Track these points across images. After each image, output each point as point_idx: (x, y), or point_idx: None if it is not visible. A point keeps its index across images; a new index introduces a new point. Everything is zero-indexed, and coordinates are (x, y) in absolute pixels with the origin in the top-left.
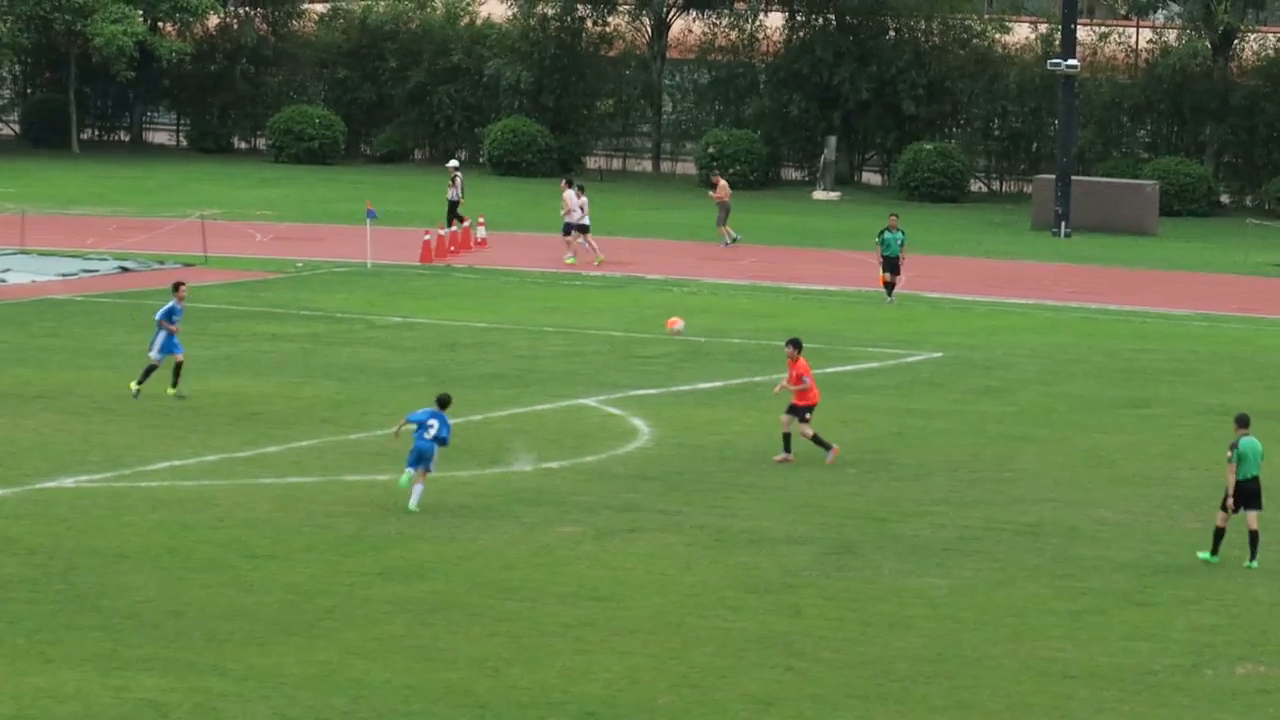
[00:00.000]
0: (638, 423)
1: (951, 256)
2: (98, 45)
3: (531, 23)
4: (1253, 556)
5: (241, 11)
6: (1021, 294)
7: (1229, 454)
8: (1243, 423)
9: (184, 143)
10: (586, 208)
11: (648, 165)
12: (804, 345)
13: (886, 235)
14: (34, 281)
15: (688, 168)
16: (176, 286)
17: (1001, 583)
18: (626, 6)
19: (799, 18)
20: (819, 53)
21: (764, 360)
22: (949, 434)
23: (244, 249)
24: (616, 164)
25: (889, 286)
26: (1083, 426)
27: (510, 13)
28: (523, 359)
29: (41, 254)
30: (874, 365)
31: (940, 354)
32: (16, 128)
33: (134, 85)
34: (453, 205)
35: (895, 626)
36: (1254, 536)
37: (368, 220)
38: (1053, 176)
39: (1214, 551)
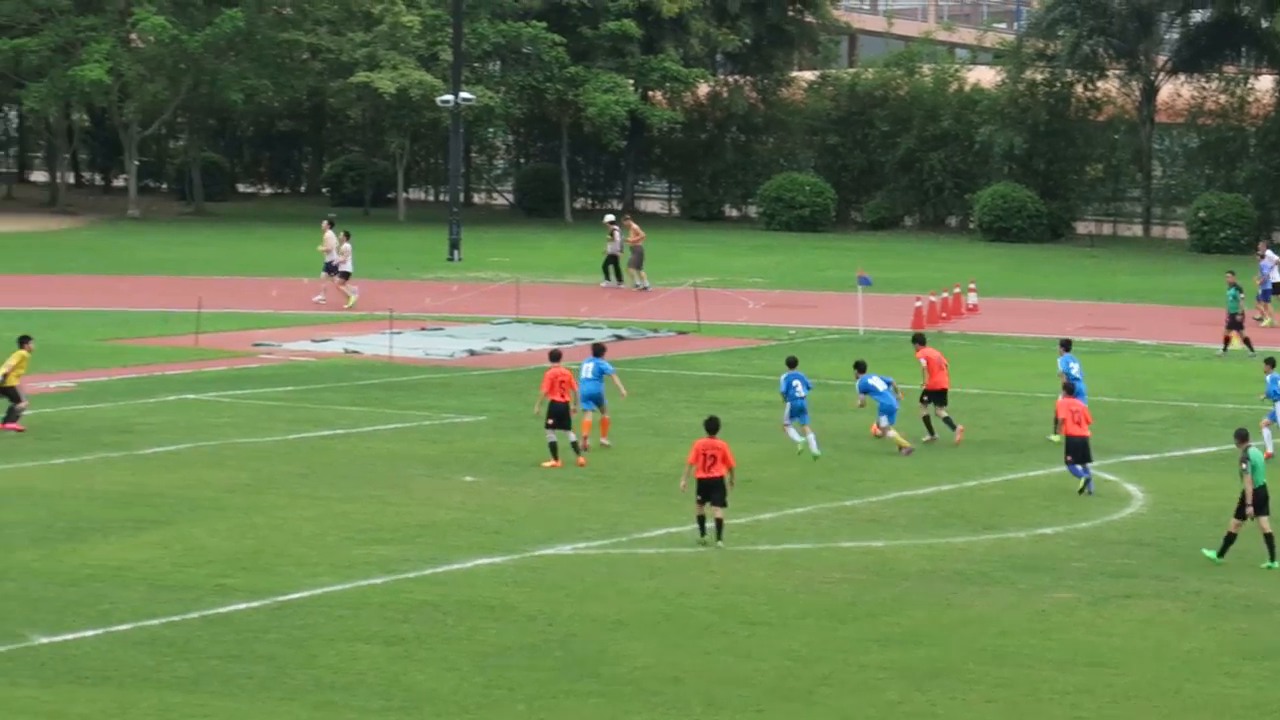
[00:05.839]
0: (1131, 488)
1: None
2: (590, 115)
3: (1020, 88)
4: (1272, 557)
5: (731, 80)
6: None
7: (1242, 465)
8: (1243, 437)
9: (676, 210)
10: (349, 254)
11: (1138, 230)
12: None
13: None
14: (529, 350)
15: (1178, 232)
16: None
17: None
18: (1116, 71)
19: None
20: None
21: (1259, 426)
22: None
23: (736, 316)
24: (1106, 229)
25: (1230, 342)
26: None
27: (999, 78)
28: (1015, 425)
29: (536, 323)
30: None
31: None
32: (510, 197)
33: (625, 154)
34: (611, 259)
35: None
36: (1270, 539)
37: (860, 287)
38: None
39: (1221, 554)
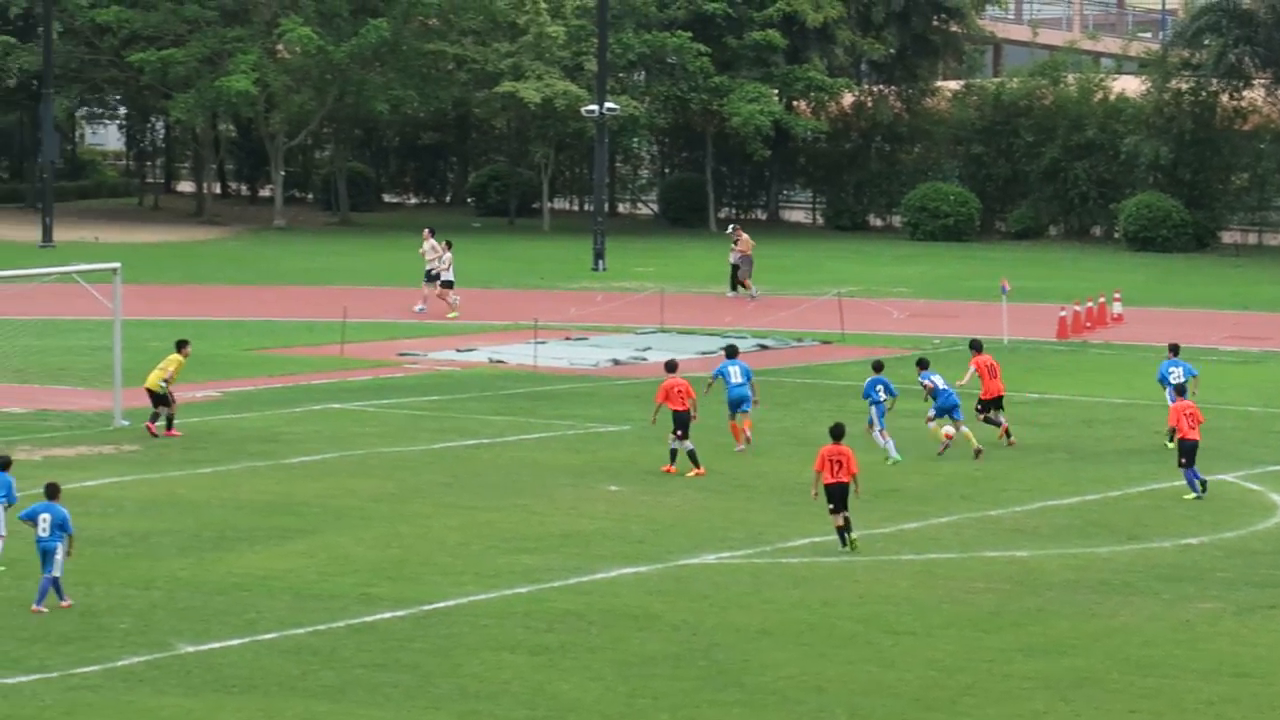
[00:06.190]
0: (1277, 498)
1: None
2: (734, 125)
3: (1166, 98)
4: None
5: (876, 89)
6: None
7: None
8: None
9: (820, 220)
10: (450, 263)
11: None
12: None
13: None
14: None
15: None
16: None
17: None
18: (1262, 80)
19: None
20: None
21: None
22: None
23: (881, 326)
24: (1252, 238)
25: None
26: None
27: (1144, 88)
28: (1160, 434)
29: (681, 332)
30: None
31: None
32: (655, 207)
33: (769, 164)
34: (736, 269)
35: None
36: None
37: (1002, 296)
38: None
39: None
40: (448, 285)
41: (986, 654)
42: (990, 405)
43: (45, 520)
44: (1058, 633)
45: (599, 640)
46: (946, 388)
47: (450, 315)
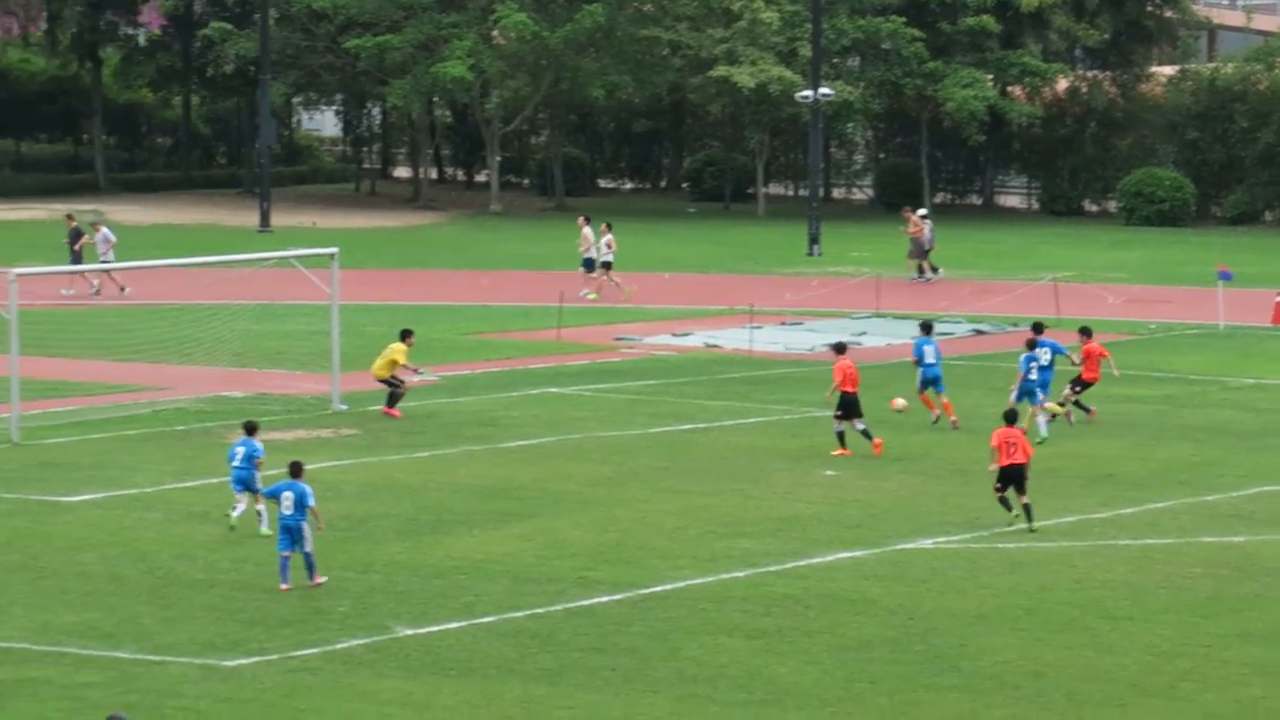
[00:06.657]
0: None
1: None
2: (949, 110)
3: None
4: None
5: (1090, 75)
6: None
7: None
8: None
9: (1035, 205)
10: (613, 245)
11: None
12: None
13: None
14: (889, 345)
15: None
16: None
17: None
18: None
19: None
20: None
21: None
22: None
23: (1096, 311)
24: None
25: None
26: None
27: None
28: None
29: (896, 317)
30: None
31: None
32: (870, 192)
33: (984, 149)
34: (925, 253)
35: None
36: None
37: (1220, 282)
38: None
39: None
40: (606, 267)
41: (1204, 639)
42: (1085, 387)
43: (288, 498)
44: (1276, 618)
45: (816, 624)
46: (1047, 366)
47: (625, 294)
